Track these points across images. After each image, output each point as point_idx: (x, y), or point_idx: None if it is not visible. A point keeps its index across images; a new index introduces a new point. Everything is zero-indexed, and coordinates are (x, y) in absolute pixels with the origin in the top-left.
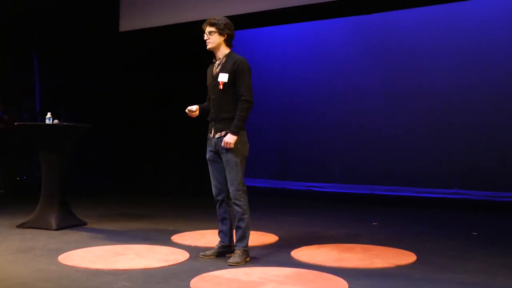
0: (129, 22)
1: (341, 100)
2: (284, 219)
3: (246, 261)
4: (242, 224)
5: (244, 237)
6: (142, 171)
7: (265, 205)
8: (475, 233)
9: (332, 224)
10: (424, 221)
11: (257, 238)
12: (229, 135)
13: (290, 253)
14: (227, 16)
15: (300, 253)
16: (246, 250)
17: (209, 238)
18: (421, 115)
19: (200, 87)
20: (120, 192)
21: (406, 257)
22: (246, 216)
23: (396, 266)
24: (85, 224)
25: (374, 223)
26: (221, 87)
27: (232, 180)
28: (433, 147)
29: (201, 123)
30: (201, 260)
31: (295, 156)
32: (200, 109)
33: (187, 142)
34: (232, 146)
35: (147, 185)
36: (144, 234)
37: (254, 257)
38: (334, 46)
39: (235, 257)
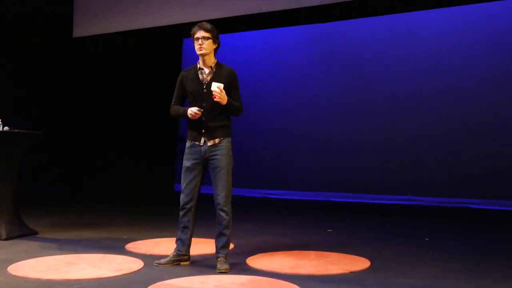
0: (83, 28)
1: (297, 108)
2: (239, 226)
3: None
4: (227, 232)
5: (228, 244)
6: (96, 179)
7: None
8: (427, 239)
9: (287, 231)
10: (378, 227)
11: (213, 246)
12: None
13: (245, 261)
14: (182, 24)
15: (256, 261)
16: None
17: (164, 246)
18: (375, 123)
19: (154, 93)
20: (74, 200)
21: (360, 263)
22: (231, 223)
23: (350, 272)
24: (36, 233)
25: (328, 230)
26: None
27: (223, 186)
28: (386, 155)
29: (156, 131)
30: (155, 268)
31: (251, 163)
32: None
33: (141, 150)
34: (221, 94)
35: (100, 193)
36: (97, 243)
37: (209, 265)
38: (292, 54)
39: (223, 264)
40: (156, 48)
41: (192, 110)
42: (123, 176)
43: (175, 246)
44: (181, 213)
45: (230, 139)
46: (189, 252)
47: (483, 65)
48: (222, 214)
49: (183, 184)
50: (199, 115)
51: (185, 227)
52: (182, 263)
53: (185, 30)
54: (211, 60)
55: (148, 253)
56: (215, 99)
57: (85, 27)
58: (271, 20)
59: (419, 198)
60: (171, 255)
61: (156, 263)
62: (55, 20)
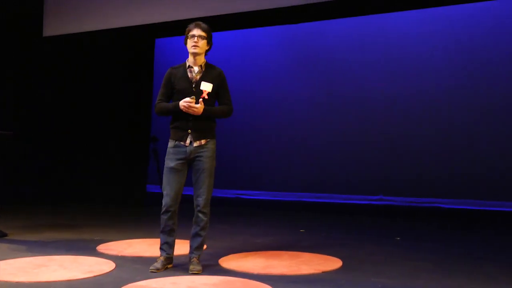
0: (53, 27)
1: (270, 108)
2: (212, 227)
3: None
4: (203, 233)
5: (202, 245)
6: (67, 180)
7: (193, 213)
8: (398, 238)
9: (260, 232)
10: (350, 227)
11: (185, 247)
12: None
13: (218, 261)
14: (154, 24)
15: (228, 261)
16: None
17: (136, 247)
18: (347, 124)
19: (126, 92)
20: (44, 201)
21: (332, 263)
22: (208, 225)
23: (323, 272)
24: (6, 235)
25: (301, 230)
26: (206, 96)
27: (206, 188)
28: (358, 155)
29: (128, 131)
30: (127, 270)
31: (224, 163)
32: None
33: (113, 150)
34: (194, 109)
35: (72, 194)
36: (68, 245)
37: (182, 266)
38: (265, 54)
39: (196, 265)
40: (128, 48)
41: (185, 100)
42: (94, 177)
43: (147, 248)
44: (165, 216)
45: (215, 140)
46: (173, 254)
47: (447, 65)
48: (201, 215)
49: (167, 186)
50: (193, 102)
51: (171, 230)
52: (168, 266)
53: (157, 30)
54: (202, 59)
55: (120, 254)
56: (183, 109)
57: (56, 26)
58: (247, 20)
59: (390, 198)
60: (163, 259)
61: (153, 269)
62: (24, 19)
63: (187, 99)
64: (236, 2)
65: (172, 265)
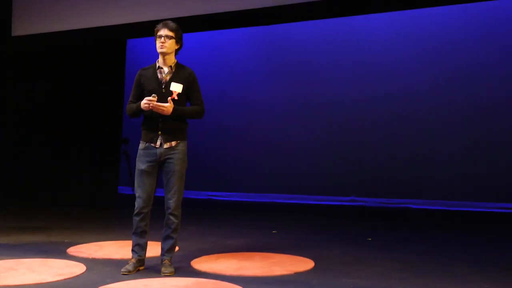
0: (22, 27)
1: (241, 109)
2: (184, 228)
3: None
4: (175, 235)
5: (174, 247)
6: (36, 181)
7: (164, 215)
8: (370, 239)
9: (232, 233)
10: (322, 228)
11: (157, 249)
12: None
13: (190, 263)
14: (125, 24)
15: (200, 263)
16: None
17: (107, 249)
18: (319, 125)
19: (96, 93)
20: (12, 203)
21: (304, 264)
22: (179, 227)
23: (295, 273)
24: None
25: (273, 231)
26: (176, 97)
27: (176, 190)
28: (330, 156)
29: (98, 132)
30: (98, 272)
31: (195, 164)
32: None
33: (83, 151)
34: (167, 106)
35: (41, 195)
36: (38, 248)
37: (153, 268)
38: (235, 55)
39: (168, 267)
40: (99, 48)
41: (146, 99)
42: (65, 178)
43: (118, 250)
44: (137, 218)
45: (186, 142)
46: (145, 256)
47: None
48: (172, 218)
49: (138, 189)
50: (155, 101)
51: (143, 232)
52: (140, 268)
53: (128, 31)
54: (171, 60)
55: (90, 256)
56: (144, 107)
57: (25, 26)
58: (220, 21)
59: (362, 199)
60: (134, 261)
61: (124, 271)
62: None
63: (147, 98)
64: (208, 3)
65: (143, 267)
